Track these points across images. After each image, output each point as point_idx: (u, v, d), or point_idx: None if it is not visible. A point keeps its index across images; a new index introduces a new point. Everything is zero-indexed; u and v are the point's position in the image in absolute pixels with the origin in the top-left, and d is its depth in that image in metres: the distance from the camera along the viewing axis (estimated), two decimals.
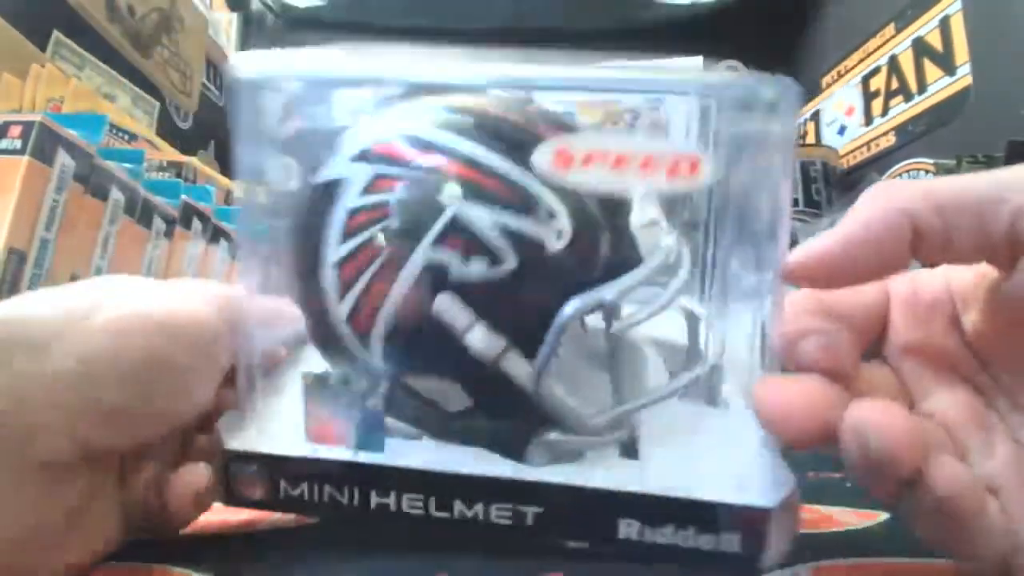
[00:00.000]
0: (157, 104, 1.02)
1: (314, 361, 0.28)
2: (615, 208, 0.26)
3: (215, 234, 0.60)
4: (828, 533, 0.29)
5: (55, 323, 0.20)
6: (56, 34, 0.79)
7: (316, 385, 0.25)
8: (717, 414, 0.28)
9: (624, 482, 0.23)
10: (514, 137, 0.25)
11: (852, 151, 1.09)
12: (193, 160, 0.77)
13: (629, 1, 1.33)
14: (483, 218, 0.24)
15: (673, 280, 0.26)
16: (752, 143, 0.23)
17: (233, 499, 0.26)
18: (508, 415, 0.27)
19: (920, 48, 0.93)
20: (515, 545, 0.25)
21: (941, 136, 0.88)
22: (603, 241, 0.26)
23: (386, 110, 0.27)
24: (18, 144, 0.37)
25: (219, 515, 0.32)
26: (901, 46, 0.97)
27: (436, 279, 0.24)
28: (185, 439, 0.26)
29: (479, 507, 0.24)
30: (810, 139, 1.22)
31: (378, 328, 0.25)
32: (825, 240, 0.20)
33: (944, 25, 0.88)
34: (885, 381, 0.23)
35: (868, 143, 1.05)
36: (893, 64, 0.99)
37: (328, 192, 0.26)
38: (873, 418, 0.18)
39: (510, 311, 0.25)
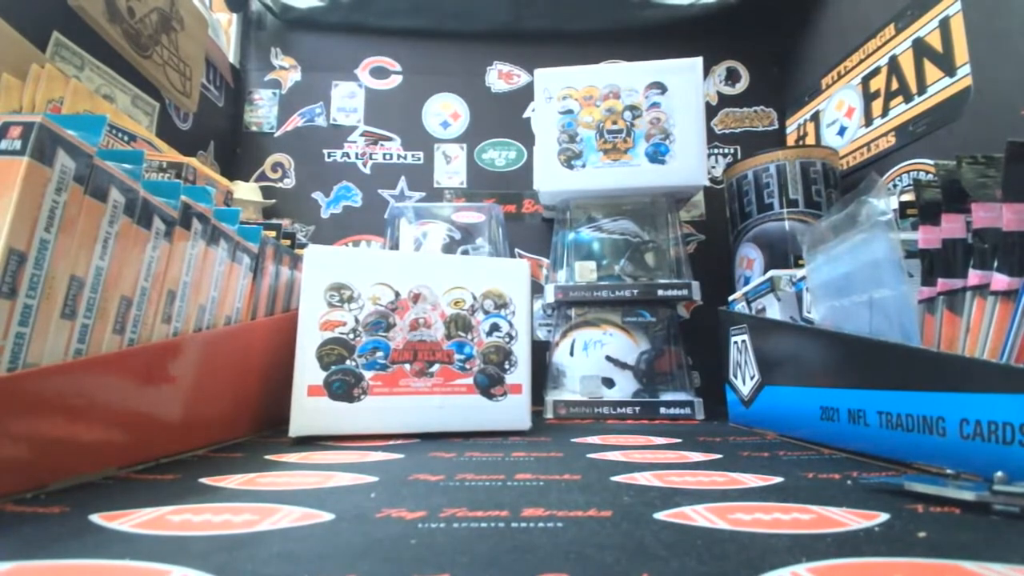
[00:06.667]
0: (157, 105, 1.02)
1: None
2: None
3: (215, 234, 0.60)
4: (828, 533, 0.29)
5: None
6: (56, 34, 0.79)
7: None
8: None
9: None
10: None
11: (852, 152, 1.09)
12: (193, 161, 0.77)
13: (629, 1, 1.33)
14: None
15: None
16: None
17: None
18: None
19: (920, 49, 0.93)
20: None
21: (941, 137, 0.88)
22: None
23: None
24: (18, 145, 0.37)
25: (221, 515, 0.32)
26: (901, 47, 0.97)
27: None
28: None
29: None
30: (810, 140, 1.22)
31: None
32: None
33: (944, 26, 0.88)
34: None
35: (868, 144, 1.05)
36: (893, 65, 0.99)
37: None
38: None
39: None
